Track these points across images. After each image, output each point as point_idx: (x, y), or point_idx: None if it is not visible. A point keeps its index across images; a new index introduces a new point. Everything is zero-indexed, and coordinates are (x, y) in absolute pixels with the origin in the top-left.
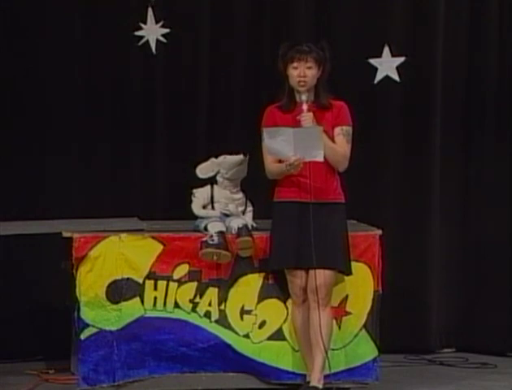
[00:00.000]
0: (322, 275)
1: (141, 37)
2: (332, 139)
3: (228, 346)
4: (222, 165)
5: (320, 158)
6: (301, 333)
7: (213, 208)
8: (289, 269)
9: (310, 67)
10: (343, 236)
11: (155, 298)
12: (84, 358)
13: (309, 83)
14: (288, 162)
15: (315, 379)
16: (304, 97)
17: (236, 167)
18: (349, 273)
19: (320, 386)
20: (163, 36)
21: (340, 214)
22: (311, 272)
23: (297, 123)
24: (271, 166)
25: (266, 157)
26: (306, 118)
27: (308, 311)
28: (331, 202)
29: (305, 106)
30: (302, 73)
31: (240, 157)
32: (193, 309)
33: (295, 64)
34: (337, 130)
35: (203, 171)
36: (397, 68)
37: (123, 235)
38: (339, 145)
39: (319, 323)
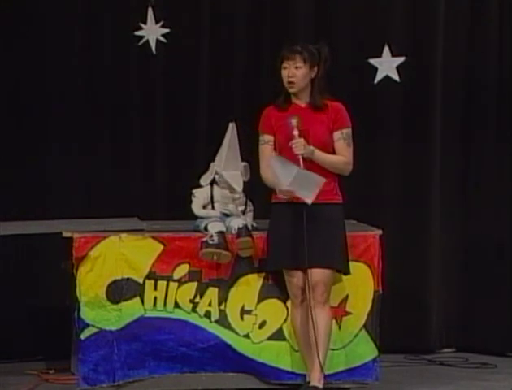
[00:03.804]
0: (318, 274)
1: (141, 37)
2: (331, 144)
3: (228, 346)
4: (216, 162)
5: (308, 201)
6: (300, 333)
7: (213, 208)
8: (286, 269)
9: (298, 67)
10: (340, 236)
11: (155, 298)
12: (84, 358)
13: (298, 83)
14: (279, 188)
15: (315, 379)
16: (294, 122)
17: (227, 150)
18: (346, 272)
19: (320, 386)
20: (163, 36)
21: (337, 214)
22: (308, 271)
23: (290, 130)
24: (266, 172)
25: (262, 159)
26: (298, 145)
27: (307, 311)
28: (328, 203)
29: (296, 132)
30: (290, 73)
31: (227, 134)
32: (193, 309)
33: (284, 64)
34: (337, 134)
35: (205, 178)
36: (397, 68)
37: (123, 235)
38: (340, 152)
39: (312, 323)
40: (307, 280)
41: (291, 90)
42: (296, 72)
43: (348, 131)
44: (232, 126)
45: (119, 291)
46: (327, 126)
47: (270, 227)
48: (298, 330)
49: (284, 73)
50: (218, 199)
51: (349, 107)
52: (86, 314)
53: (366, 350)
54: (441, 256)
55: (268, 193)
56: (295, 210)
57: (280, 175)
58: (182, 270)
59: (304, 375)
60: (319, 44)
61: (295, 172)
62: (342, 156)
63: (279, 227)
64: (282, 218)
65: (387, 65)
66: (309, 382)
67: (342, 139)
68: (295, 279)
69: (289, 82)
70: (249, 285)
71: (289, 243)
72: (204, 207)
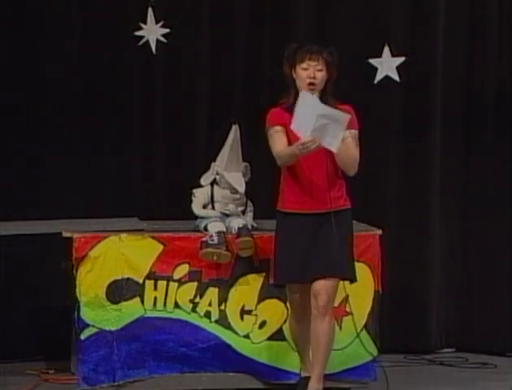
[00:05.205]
0: (321, 283)
1: (141, 37)
2: None
3: (228, 346)
4: (217, 163)
5: (334, 149)
6: (298, 342)
7: (213, 208)
8: (292, 284)
9: (320, 70)
10: (349, 244)
11: (155, 298)
12: (84, 358)
13: (318, 86)
14: (300, 142)
15: (312, 388)
16: (315, 96)
17: (229, 152)
18: (354, 280)
19: None
20: (163, 36)
21: (345, 220)
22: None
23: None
24: (281, 150)
25: (274, 144)
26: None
27: (307, 327)
28: (338, 210)
29: None
30: (312, 75)
31: (229, 136)
32: (193, 310)
33: (305, 65)
34: (345, 133)
35: (206, 178)
36: (397, 68)
37: (123, 235)
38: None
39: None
40: (315, 286)
41: (311, 91)
42: (317, 74)
43: (356, 132)
44: (235, 128)
45: (119, 291)
46: None
47: (277, 239)
48: (296, 338)
49: (304, 74)
50: (218, 199)
51: (354, 110)
52: (86, 314)
53: (366, 350)
54: (441, 256)
55: (269, 193)
56: (304, 220)
57: (302, 120)
58: (182, 270)
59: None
60: (329, 48)
61: (320, 110)
62: None
63: (288, 240)
64: (290, 231)
65: (387, 65)
66: (304, 378)
67: (350, 138)
68: (297, 295)
69: (311, 83)
70: (249, 285)
71: (298, 257)
72: (204, 207)
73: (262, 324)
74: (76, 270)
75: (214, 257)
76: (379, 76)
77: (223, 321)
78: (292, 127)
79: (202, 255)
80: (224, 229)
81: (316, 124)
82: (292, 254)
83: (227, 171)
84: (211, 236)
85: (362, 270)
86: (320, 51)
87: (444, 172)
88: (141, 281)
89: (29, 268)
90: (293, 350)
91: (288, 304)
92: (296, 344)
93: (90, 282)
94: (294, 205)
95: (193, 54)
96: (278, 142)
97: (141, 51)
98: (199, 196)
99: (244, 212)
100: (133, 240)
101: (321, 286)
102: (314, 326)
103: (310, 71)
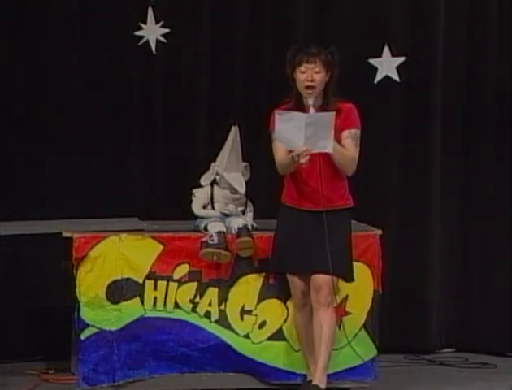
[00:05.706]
0: (321, 277)
1: (141, 37)
2: (340, 142)
3: (228, 346)
4: (217, 163)
5: (329, 150)
6: (302, 334)
7: (213, 208)
8: (290, 273)
9: (318, 72)
10: (347, 243)
11: (155, 298)
12: (84, 358)
13: (317, 88)
14: (296, 153)
15: (317, 379)
16: (310, 101)
17: (229, 152)
18: (351, 279)
19: (322, 386)
20: (163, 36)
21: (345, 219)
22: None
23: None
24: (280, 159)
25: (276, 152)
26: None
27: (309, 314)
28: (339, 209)
29: (312, 111)
30: (310, 77)
31: (229, 136)
32: (193, 310)
33: (303, 68)
34: (345, 133)
35: (206, 178)
36: (397, 68)
37: (123, 235)
38: (347, 149)
39: (316, 324)
40: (316, 281)
41: (309, 95)
42: (315, 77)
43: (356, 131)
44: (234, 129)
45: (119, 291)
46: (340, 129)
47: (277, 229)
48: (300, 331)
49: (302, 77)
50: (218, 199)
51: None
52: (86, 314)
53: (366, 350)
54: (441, 256)
55: (269, 193)
56: (305, 216)
57: (290, 136)
58: (182, 270)
59: (304, 375)
60: (330, 48)
61: (304, 121)
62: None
63: (287, 230)
64: (291, 222)
65: (387, 65)
66: (310, 381)
67: (350, 138)
68: (298, 281)
69: (309, 86)
70: (249, 285)
71: (296, 247)
72: (204, 207)
73: (262, 324)
74: (76, 270)
75: (214, 257)
76: (379, 76)
77: (223, 321)
78: (281, 145)
79: (202, 255)
80: (224, 229)
81: (307, 133)
82: (289, 245)
83: (227, 171)
84: (211, 236)
85: (361, 270)
86: (317, 53)
87: (444, 172)
88: (141, 281)
89: (29, 268)
90: (293, 350)
91: (287, 304)
92: (300, 342)
93: (90, 282)
94: (294, 202)
95: (193, 54)
96: (278, 151)
97: (141, 51)
98: (199, 196)
99: (244, 212)
100: (133, 240)
101: (322, 280)
102: (316, 318)
103: (307, 74)
